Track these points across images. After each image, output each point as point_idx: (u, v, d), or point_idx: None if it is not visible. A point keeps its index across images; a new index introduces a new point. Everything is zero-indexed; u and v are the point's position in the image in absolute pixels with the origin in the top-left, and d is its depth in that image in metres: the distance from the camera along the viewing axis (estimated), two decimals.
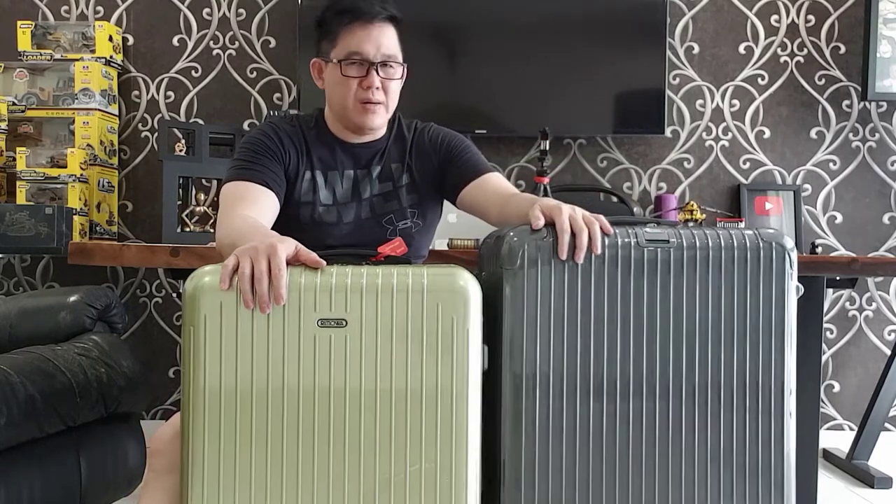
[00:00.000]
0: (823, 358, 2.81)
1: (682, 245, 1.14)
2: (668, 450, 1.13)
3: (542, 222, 1.14)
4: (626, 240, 1.14)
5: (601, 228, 1.13)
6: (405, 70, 1.54)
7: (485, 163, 1.59)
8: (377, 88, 1.48)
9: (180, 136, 2.53)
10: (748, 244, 1.15)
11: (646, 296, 1.13)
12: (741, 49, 2.81)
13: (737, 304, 1.14)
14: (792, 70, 2.81)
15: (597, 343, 1.12)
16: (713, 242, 1.15)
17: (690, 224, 2.51)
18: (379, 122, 1.53)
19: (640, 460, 1.13)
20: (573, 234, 1.12)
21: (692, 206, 2.53)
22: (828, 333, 2.82)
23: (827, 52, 2.80)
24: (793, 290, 1.16)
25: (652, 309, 1.13)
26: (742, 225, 2.51)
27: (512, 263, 1.11)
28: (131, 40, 2.80)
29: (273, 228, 1.44)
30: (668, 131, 2.78)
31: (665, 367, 1.13)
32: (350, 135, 1.55)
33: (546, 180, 2.29)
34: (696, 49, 2.81)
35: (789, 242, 1.17)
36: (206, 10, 2.80)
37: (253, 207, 1.39)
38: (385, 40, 1.49)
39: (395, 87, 1.52)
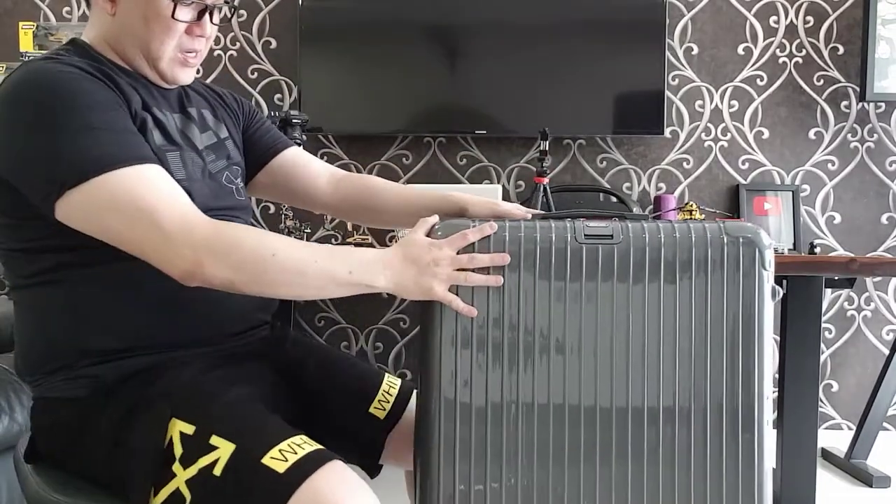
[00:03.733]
0: (822, 358, 2.82)
1: (628, 241, 0.97)
2: (611, 478, 0.97)
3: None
4: (562, 235, 0.97)
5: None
6: None
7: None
8: (205, 38, 1.14)
9: None
10: (710, 241, 0.98)
11: (583, 300, 0.97)
12: (740, 50, 2.82)
13: (694, 312, 0.98)
14: (790, 71, 2.81)
15: (525, 357, 0.97)
16: (666, 239, 0.97)
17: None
18: (192, 77, 1.18)
19: (578, 488, 0.97)
20: None
21: (691, 206, 2.53)
22: (826, 333, 2.83)
23: (825, 53, 2.81)
24: (767, 292, 0.99)
25: (590, 316, 0.97)
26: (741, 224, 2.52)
27: None
28: None
29: None
30: (667, 132, 2.78)
31: (607, 384, 0.97)
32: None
33: (546, 180, 2.30)
34: (696, 50, 2.82)
35: (763, 239, 0.99)
36: None
37: (185, 198, 0.99)
38: None
39: (214, 35, 1.19)
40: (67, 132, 0.95)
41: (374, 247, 2.48)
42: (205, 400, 1.01)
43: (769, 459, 1.00)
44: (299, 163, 1.34)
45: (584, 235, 0.97)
